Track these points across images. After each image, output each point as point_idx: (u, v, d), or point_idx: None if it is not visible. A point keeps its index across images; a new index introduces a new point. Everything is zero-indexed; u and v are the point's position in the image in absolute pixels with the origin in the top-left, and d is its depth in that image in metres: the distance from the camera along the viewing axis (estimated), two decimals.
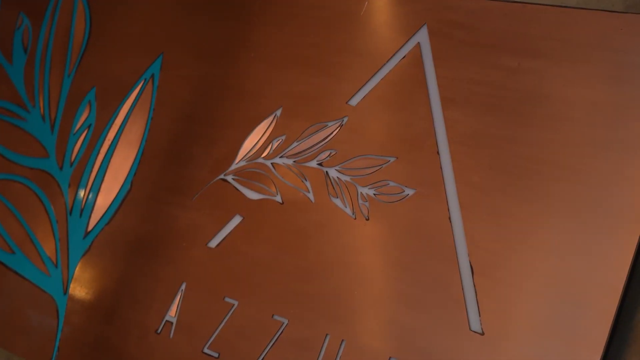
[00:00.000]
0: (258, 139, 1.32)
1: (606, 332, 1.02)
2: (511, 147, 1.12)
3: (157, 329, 1.34)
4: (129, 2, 1.53)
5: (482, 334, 1.09)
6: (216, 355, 1.28)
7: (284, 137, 1.30)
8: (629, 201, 1.04)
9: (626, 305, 1.07)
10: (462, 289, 1.12)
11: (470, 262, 1.12)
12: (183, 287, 1.33)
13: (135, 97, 1.46)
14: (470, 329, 1.10)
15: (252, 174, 1.31)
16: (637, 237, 1.03)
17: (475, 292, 1.11)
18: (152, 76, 1.45)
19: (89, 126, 1.50)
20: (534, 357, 1.05)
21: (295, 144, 1.29)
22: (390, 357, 1.14)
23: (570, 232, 1.06)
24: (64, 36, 1.58)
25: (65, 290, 1.46)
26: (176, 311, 1.33)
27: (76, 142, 1.51)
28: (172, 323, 1.33)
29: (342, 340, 1.18)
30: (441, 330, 1.12)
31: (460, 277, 1.12)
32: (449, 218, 1.14)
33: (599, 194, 1.06)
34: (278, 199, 1.28)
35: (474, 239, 1.12)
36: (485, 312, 1.10)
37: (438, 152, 1.17)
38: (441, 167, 1.16)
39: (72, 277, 1.46)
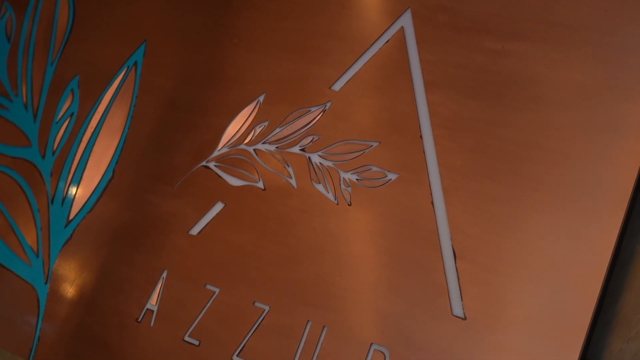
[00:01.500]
0: (241, 125, 1.31)
1: (589, 316, 1.01)
2: (494, 130, 1.11)
3: (138, 318, 1.33)
4: None
5: (465, 318, 1.08)
6: (197, 343, 1.26)
7: (266, 123, 1.28)
8: (612, 183, 1.03)
9: (610, 289, 1.06)
10: (445, 273, 1.10)
11: (452, 247, 1.10)
12: (164, 275, 1.32)
13: (118, 85, 1.45)
14: (452, 313, 1.09)
15: (235, 161, 1.30)
16: (621, 220, 1.02)
17: (458, 276, 1.09)
18: (135, 64, 1.44)
19: (72, 114, 1.48)
20: (516, 341, 1.04)
21: (277, 129, 1.27)
22: (371, 343, 1.13)
23: (553, 215, 1.05)
24: (47, 25, 1.56)
25: (46, 280, 1.44)
26: (157, 299, 1.31)
27: (58, 131, 1.49)
28: (152, 311, 1.32)
29: (324, 326, 1.17)
30: (423, 315, 1.10)
31: (443, 262, 1.11)
32: (432, 202, 1.13)
33: (582, 176, 1.04)
34: (260, 185, 1.27)
35: (456, 223, 1.11)
36: (468, 297, 1.08)
37: (421, 137, 1.16)
38: (424, 152, 1.15)
39: (53, 267, 1.44)
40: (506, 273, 1.06)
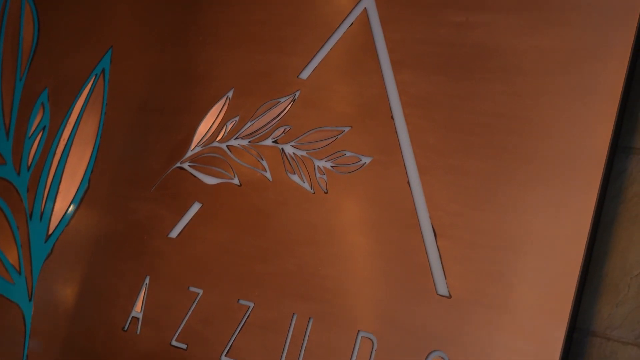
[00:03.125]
0: (212, 123, 1.29)
1: (574, 283, 0.99)
2: (464, 104, 1.09)
3: (124, 326, 1.31)
4: None
5: (450, 297, 1.06)
6: (184, 347, 1.24)
7: (237, 118, 1.27)
8: (587, 147, 1.01)
9: (594, 255, 1.04)
10: (426, 253, 1.09)
11: (432, 225, 1.09)
12: (147, 281, 1.30)
13: (88, 94, 1.43)
14: (437, 293, 1.07)
15: (209, 159, 1.28)
16: (598, 183, 1.00)
17: (440, 255, 1.07)
18: (103, 71, 1.43)
19: (44, 128, 1.46)
20: (503, 315, 1.02)
21: (249, 123, 1.26)
22: (359, 331, 1.11)
23: (529, 184, 1.03)
24: (13, 41, 1.55)
25: (30, 297, 1.42)
26: (141, 306, 1.30)
27: (32, 146, 1.48)
28: (138, 319, 1.30)
29: (310, 318, 1.15)
30: (408, 297, 1.08)
31: (424, 242, 1.09)
32: (408, 182, 1.11)
33: (557, 142, 1.03)
34: (236, 181, 1.25)
35: (434, 201, 1.09)
36: (451, 275, 1.06)
37: (392, 117, 1.14)
38: (396, 132, 1.13)
39: (36, 283, 1.42)
40: (488, 247, 1.04)
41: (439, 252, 1.08)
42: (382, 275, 1.11)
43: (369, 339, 1.10)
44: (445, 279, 1.06)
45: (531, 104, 1.05)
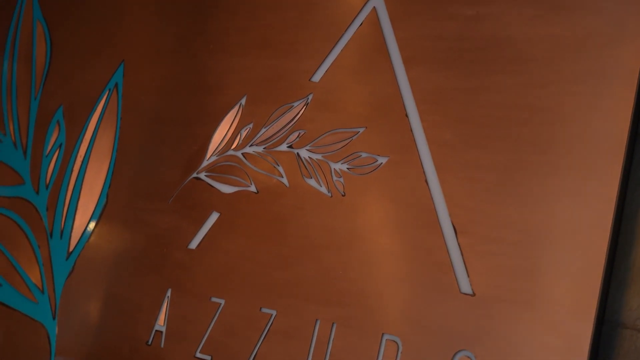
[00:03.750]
0: (226, 131, 1.28)
1: (600, 274, 0.97)
2: (479, 97, 1.07)
3: (148, 341, 1.30)
4: (84, 14, 1.50)
5: (473, 294, 1.04)
6: (208, 358, 1.23)
7: (251, 125, 1.26)
8: (606, 134, 0.98)
9: (620, 245, 1.02)
10: (448, 251, 1.06)
11: (452, 223, 1.07)
12: (169, 293, 1.29)
13: (102, 109, 1.43)
14: (460, 291, 1.05)
15: (225, 168, 1.27)
16: (619, 170, 0.97)
17: (461, 252, 1.05)
18: (116, 85, 1.42)
19: (60, 146, 1.46)
20: (529, 311, 1.00)
21: (263, 130, 1.24)
22: (383, 334, 1.09)
23: (548, 175, 1.01)
24: (27, 61, 1.55)
25: (54, 315, 1.42)
26: (164, 319, 1.28)
27: (49, 164, 1.47)
28: (161, 332, 1.29)
29: (333, 323, 1.13)
30: (431, 297, 1.06)
31: (444, 240, 1.07)
32: (426, 181, 1.09)
33: (574, 131, 1.00)
34: (253, 188, 1.24)
35: (452, 198, 1.07)
36: (474, 272, 1.04)
37: (407, 115, 1.12)
38: (412, 130, 1.12)
39: (59, 301, 1.41)
40: (509, 242, 1.02)
41: (460, 249, 1.06)
42: (404, 276, 1.09)
43: (394, 341, 1.08)
44: (468, 276, 1.04)
45: (546, 93, 1.03)
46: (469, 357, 1.03)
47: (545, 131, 1.02)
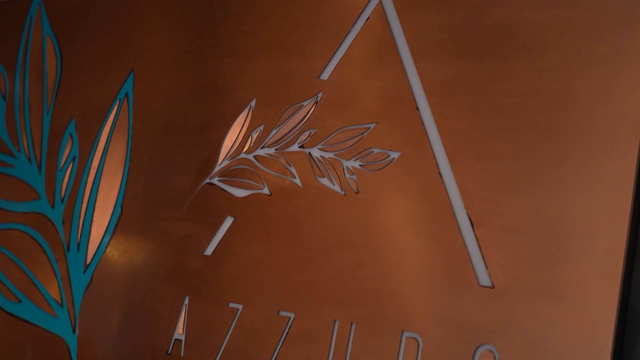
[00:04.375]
0: (237, 135, 1.27)
1: (621, 259, 0.94)
2: (489, 86, 1.05)
3: (168, 350, 1.28)
4: (92, 26, 1.50)
5: (493, 287, 1.01)
6: None
7: (262, 127, 1.24)
8: (621, 116, 0.96)
9: None
10: (465, 244, 1.04)
11: (468, 215, 1.04)
12: (186, 301, 1.27)
13: (114, 119, 1.42)
14: (479, 284, 1.02)
15: (237, 172, 1.26)
16: (637, 152, 0.95)
17: (479, 244, 1.03)
18: (127, 94, 1.41)
19: (74, 159, 1.46)
20: (550, 301, 0.97)
21: (274, 131, 1.23)
22: (403, 331, 1.07)
23: (564, 161, 0.99)
24: (38, 76, 1.55)
25: (74, 329, 1.41)
26: (183, 328, 1.27)
27: (63, 178, 1.47)
28: (181, 341, 1.27)
29: (352, 323, 1.11)
30: (450, 291, 1.04)
31: (461, 233, 1.05)
32: (439, 173, 1.07)
33: (588, 115, 0.98)
34: (266, 191, 1.22)
35: (467, 190, 1.05)
36: (493, 264, 1.02)
37: (417, 108, 1.10)
38: (423, 123, 1.10)
39: (78, 314, 1.40)
40: (527, 232, 1.00)
41: (477, 242, 1.03)
42: (421, 272, 1.07)
43: (414, 338, 1.06)
44: (487, 268, 1.02)
45: (558, 78, 1.00)
46: (491, 351, 1.00)
47: (559, 117, 1.00)
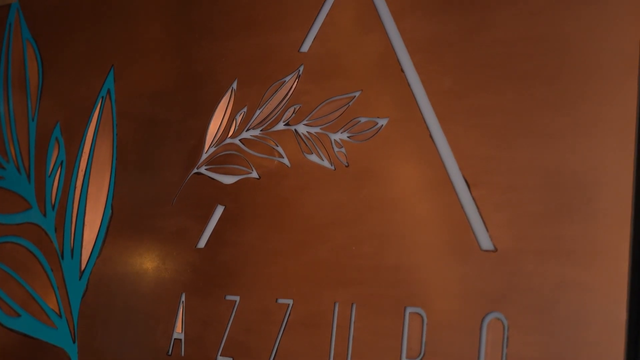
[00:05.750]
0: (221, 120, 1.21)
1: (629, 208, 0.87)
2: (475, 36, 0.99)
3: (168, 351, 1.23)
4: (70, 26, 1.46)
5: (495, 250, 0.94)
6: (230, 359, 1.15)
7: (245, 109, 1.19)
8: (616, 56, 0.89)
9: None
10: (462, 207, 0.97)
11: (463, 176, 0.98)
12: (183, 298, 1.22)
13: (97, 118, 1.38)
14: (481, 249, 0.95)
15: (224, 158, 1.20)
16: (636, 92, 0.88)
17: (477, 206, 0.96)
18: (108, 92, 1.37)
19: (61, 163, 1.41)
20: (557, 259, 0.90)
21: (258, 111, 1.17)
22: (405, 307, 1.00)
23: (561, 108, 0.92)
24: (21, 83, 1.51)
25: (74, 339, 1.36)
26: (182, 326, 1.21)
27: (53, 184, 1.42)
28: (180, 340, 1.22)
29: (352, 304, 1.05)
30: (451, 260, 0.97)
31: (457, 196, 0.98)
32: (430, 135, 1.01)
33: (581, 57, 0.91)
34: (254, 175, 1.17)
35: (461, 149, 0.99)
36: (493, 226, 0.95)
37: (402, 70, 1.04)
38: (409, 84, 1.04)
39: (77, 323, 1.35)
40: (527, 188, 0.93)
41: (475, 203, 0.96)
42: (420, 243, 1.00)
43: (418, 313, 0.99)
44: (487, 231, 0.95)
45: (547, 20, 0.94)
46: (499, 319, 0.93)
47: (551, 62, 0.93)
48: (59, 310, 1.39)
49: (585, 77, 0.90)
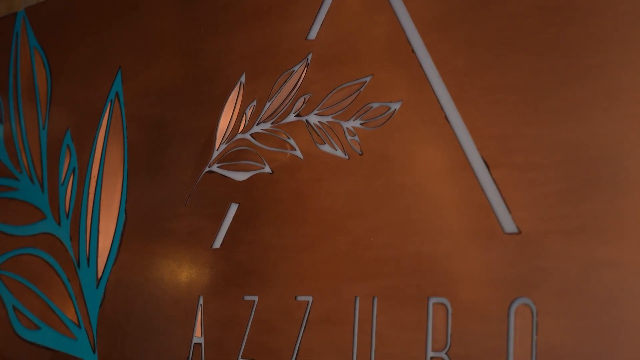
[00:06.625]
0: (231, 115, 1.18)
1: None
2: (486, 11, 0.95)
3: (188, 356, 1.19)
4: (76, 31, 1.45)
5: (519, 232, 0.89)
6: None
7: (255, 102, 1.15)
8: (635, 23, 0.84)
9: None
10: (483, 190, 0.92)
11: (482, 157, 0.93)
12: (201, 301, 1.18)
13: (107, 122, 1.35)
14: (504, 232, 0.91)
15: (235, 154, 1.17)
16: None
17: (498, 188, 0.92)
18: (117, 94, 1.34)
19: (74, 170, 1.39)
20: (587, 238, 0.84)
21: (267, 104, 1.14)
22: (428, 297, 0.95)
23: (578, 79, 0.87)
24: (30, 92, 1.50)
25: (94, 349, 1.33)
26: (201, 330, 1.18)
27: (66, 192, 1.40)
28: (200, 344, 1.18)
29: (374, 297, 1.00)
30: (474, 245, 0.93)
31: (477, 178, 0.93)
32: (446, 117, 0.96)
33: (598, 26, 0.87)
34: (267, 169, 1.13)
35: (478, 129, 0.94)
36: (515, 208, 0.90)
37: (413, 51, 1.00)
38: (421, 65, 0.99)
39: (96, 333, 1.32)
40: (548, 165, 0.88)
41: (496, 185, 0.92)
42: (440, 230, 0.96)
43: (442, 304, 0.95)
44: (510, 213, 0.90)
45: None
46: (527, 304, 0.88)
47: (567, 31, 0.88)
48: (78, 320, 1.36)
49: (605, 44, 0.86)
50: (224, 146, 1.18)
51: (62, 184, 1.41)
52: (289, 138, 1.11)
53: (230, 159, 1.18)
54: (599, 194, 0.84)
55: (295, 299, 1.08)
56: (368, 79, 1.04)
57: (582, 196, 0.85)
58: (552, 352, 0.84)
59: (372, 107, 1.03)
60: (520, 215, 0.89)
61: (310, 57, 1.10)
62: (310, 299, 1.06)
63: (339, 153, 1.06)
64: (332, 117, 1.06)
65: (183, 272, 1.22)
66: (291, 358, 1.07)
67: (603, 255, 0.83)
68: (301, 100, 1.10)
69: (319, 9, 1.10)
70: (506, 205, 0.90)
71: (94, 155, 1.37)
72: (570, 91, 0.87)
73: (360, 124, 1.04)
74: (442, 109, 0.97)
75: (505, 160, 0.91)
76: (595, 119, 0.85)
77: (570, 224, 0.86)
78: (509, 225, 0.90)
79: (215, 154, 1.19)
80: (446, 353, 0.92)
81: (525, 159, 0.90)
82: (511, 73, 0.92)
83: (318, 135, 1.08)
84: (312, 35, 1.10)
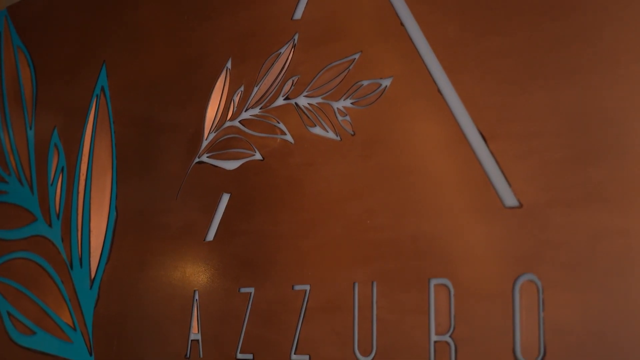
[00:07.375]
0: (218, 102, 1.15)
1: None
2: None
3: (186, 354, 1.15)
4: (59, 26, 1.42)
5: (521, 206, 0.85)
6: (251, 357, 1.08)
7: (242, 88, 1.11)
8: None
9: None
10: (480, 163, 0.88)
11: (478, 129, 0.89)
12: (196, 296, 1.15)
13: (94, 118, 1.32)
14: (505, 206, 0.86)
15: (225, 143, 1.14)
16: None
17: (496, 160, 0.87)
18: (102, 89, 1.30)
19: (62, 169, 1.36)
20: (592, 207, 0.80)
21: (255, 89, 1.10)
22: (429, 279, 0.91)
23: (578, 42, 0.83)
24: (16, 91, 1.47)
25: (91, 351, 1.29)
26: (198, 326, 1.14)
27: (55, 192, 1.37)
28: (197, 341, 1.14)
29: (373, 282, 0.96)
30: (473, 221, 0.89)
31: (474, 152, 0.89)
32: (439, 90, 0.92)
33: None
34: (258, 156, 1.09)
35: (473, 100, 0.90)
36: (515, 180, 0.86)
37: (402, 24, 0.96)
38: (410, 38, 0.95)
39: (92, 335, 1.29)
40: (548, 134, 0.84)
41: (494, 157, 0.88)
42: (438, 208, 0.92)
43: (444, 285, 0.90)
44: (510, 186, 0.86)
45: None
46: (532, 280, 0.84)
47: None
48: (73, 323, 1.33)
49: (604, 3, 0.81)
50: (212, 135, 1.15)
51: (52, 184, 1.38)
52: (279, 122, 1.07)
53: (220, 148, 1.14)
54: (603, 160, 0.80)
55: (293, 288, 1.04)
56: (357, 56, 1.00)
57: (584, 164, 0.81)
58: (560, 329, 0.80)
59: (363, 84, 0.99)
60: (520, 187, 0.85)
61: (296, 37, 1.06)
62: (307, 287, 1.03)
63: (331, 135, 1.02)
64: (322, 98, 1.03)
65: (177, 268, 1.18)
66: (291, 349, 1.03)
67: (609, 224, 0.79)
68: (289, 82, 1.06)
69: None
70: (506, 178, 0.87)
71: (82, 152, 1.34)
72: (569, 55, 0.83)
73: (351, 103, 1.00)
74: (434, 81, 0.93)
75: (503, 130, 0.87)
76: (597, 82, 0.81)
77: (573, 194, 0.81)
78: (509, 199, 0.86)
79: (205, 143, 1.16)
80: (450, 336, 0.88)
81: (523, 128, 0.86)
82: (506, 39, 0.88)
83: (308, 117, 1.04)
84: (298, 14, 1.07)
